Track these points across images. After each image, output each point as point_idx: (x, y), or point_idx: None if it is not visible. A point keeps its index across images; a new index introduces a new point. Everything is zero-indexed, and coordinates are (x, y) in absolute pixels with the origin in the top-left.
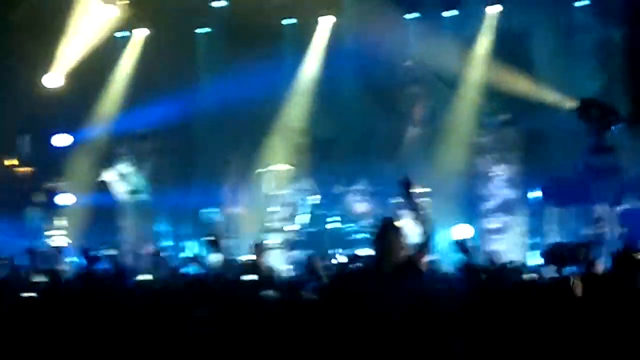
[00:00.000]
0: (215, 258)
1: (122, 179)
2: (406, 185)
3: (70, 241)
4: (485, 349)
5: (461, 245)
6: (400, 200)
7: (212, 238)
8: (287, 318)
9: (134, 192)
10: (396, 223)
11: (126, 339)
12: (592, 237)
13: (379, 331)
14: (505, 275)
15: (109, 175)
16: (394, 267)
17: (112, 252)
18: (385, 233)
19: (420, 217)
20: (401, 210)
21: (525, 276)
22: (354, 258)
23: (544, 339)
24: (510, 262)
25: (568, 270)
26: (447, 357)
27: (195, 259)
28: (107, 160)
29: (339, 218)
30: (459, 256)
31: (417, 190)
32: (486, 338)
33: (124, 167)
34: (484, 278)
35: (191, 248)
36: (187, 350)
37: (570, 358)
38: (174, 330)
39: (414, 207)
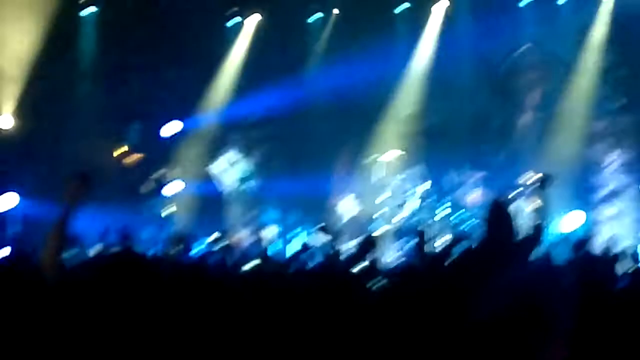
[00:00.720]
0: (325, 245)
1: (230, 168)
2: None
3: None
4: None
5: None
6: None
7: (324, 225)
8: (400, 305)
9: (242, 180)
10: (509, 206)
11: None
12: None
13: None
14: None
15: (217, 166)
16: (502, 250)
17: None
18: (498, 215)
19: (538, 207)
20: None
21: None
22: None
23: None
24: (624, 250)
25: None
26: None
27: (304, 249)
28: (217, 148)
29: (449, 205)
30: (570, 247)
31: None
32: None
33: (233, 156)
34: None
35: (301, 237)
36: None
37: None
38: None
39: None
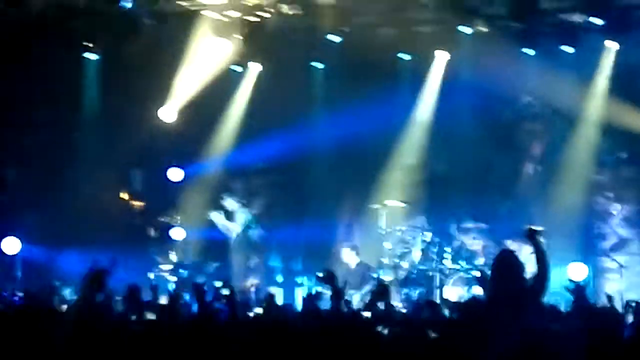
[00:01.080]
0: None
1: (229, 216)
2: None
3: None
4: None
5: (577, 290)
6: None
7: (328, 274)
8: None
9: (246, 227)
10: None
11: None
12: None
13: None
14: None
15: (216, 215)
16: (512, 300)
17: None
18: (504, 265)
19: (540, 257)
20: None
21: None
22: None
23: None
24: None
25: None
26: None
27: (310, 297)
28: (218, 196)
29: (451, 256)
30: (571, 296)
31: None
32: None
33: (232, 204)
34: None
35: (307, 284)
36: None
37: None
38: None
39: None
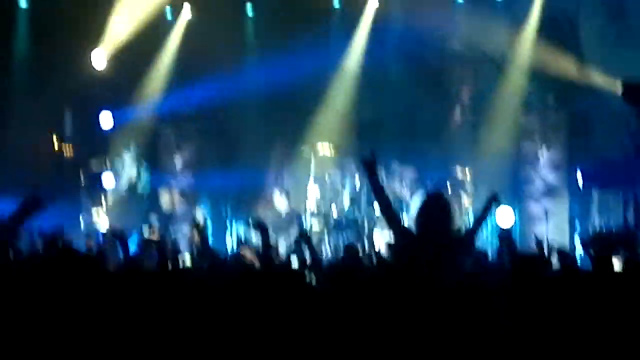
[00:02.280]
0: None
1: (121, 168)
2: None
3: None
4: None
5: (504, 234)
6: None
7: (259, 224)
8: (333, 303)
9: (133, 182)
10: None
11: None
12: (637, 223)
13: (425, 314)
14: (548, 263)
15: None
16: (440, 246)
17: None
18: (435, 205)
19: (481, 219)
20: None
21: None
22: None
23: (587, 332)
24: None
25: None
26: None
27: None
28: (150, 141)
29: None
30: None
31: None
32: (529, 329)
33: (126, 156)
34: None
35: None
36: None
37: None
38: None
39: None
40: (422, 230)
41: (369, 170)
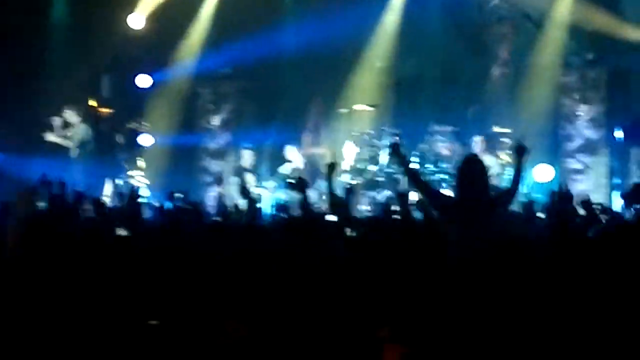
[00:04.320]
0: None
1: (66, 129)
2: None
3: (149, 183)
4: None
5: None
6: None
7: (297, 179)
8: (371, 257)
9: (80, 143)
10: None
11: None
12: None
13: (459, 271)
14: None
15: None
16: (477, 205)
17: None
18: (471, 169)
19: (517, 176)
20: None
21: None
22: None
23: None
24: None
25: None
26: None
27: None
28: (188, 101)
29: (418, 159)
30: (543, 198)
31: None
32: (571, 288)
33: (71, 116)
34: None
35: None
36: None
37: None
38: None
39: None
40: (460, 192)
41: (396, 153)
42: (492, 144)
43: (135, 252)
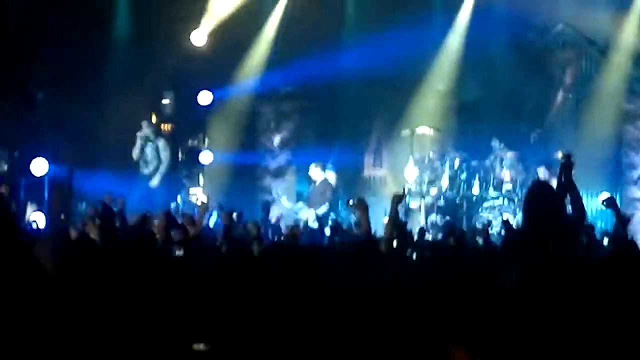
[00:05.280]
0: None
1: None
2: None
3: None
4: None
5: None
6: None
7: (357, 200)
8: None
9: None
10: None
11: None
12: None
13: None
14: None
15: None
16: (548, 232)
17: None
18: (541, 197)
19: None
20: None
21: None
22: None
23: None
24: None
25: None
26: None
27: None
28: (249, 119)
29: (478, 183)
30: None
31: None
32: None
33: (150, 132)
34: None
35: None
36: None
37: None
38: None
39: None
40: (531, 218)
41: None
42: (555, 170)
43: (192, 272)
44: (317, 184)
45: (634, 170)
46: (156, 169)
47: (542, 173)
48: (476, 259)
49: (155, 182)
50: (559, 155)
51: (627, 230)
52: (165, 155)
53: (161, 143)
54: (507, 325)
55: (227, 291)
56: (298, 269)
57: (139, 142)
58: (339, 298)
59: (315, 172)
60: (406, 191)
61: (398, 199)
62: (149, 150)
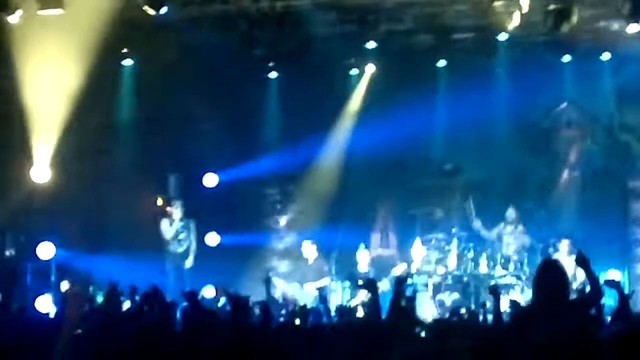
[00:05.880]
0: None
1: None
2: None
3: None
4: None
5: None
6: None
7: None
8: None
9: (178, 238)
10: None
11: None
12: None
13: None
14: None
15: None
16: (558, 311)
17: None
18: (549, 274)
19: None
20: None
21: None
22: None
23: None
24: None
25: None
26: None
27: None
28: (254, 201)
29: (486, 262)
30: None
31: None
32: None
33: (177, 211)
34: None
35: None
36: None
37: None
38: None
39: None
40: (539, 296)
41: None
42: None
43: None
44: (311, 261)
45: None
46: (188, 249)
47: (564, 246)
48: (485, 334)
49: (189, 262)
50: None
51: (628, 307)
52: (194, 235)
53: (192, 224)
54: None
55: None
56: (309, 350)
57: (167, 221)
58: None
59: (309, 250)
60: (409, 272)
61: (401, 281)
62: (180, 229)
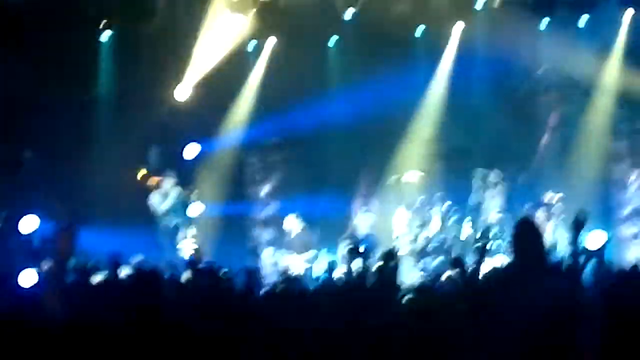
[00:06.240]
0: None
1: (164, 196)
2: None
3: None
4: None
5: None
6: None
7: (354, 245)
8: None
9: (172, 210)
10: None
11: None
12: None
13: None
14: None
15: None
16: (535, 268)
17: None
18: (526, 233)
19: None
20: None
21: None
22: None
23: None
24: None
25: None
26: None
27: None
28: (236, 170)
29: (470, 225)
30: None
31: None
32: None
33: (170, 184)
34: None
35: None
36: None
37: None
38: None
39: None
40: (517, 256)
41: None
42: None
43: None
44: (296, 233)
45: (622, 208)
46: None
47: (540, 215)
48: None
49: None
50: (547, 197)
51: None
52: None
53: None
54: None
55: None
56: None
57: (158, 195)
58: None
59: (293, 223)
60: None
61: (389, 257)
62: (175, 202)
